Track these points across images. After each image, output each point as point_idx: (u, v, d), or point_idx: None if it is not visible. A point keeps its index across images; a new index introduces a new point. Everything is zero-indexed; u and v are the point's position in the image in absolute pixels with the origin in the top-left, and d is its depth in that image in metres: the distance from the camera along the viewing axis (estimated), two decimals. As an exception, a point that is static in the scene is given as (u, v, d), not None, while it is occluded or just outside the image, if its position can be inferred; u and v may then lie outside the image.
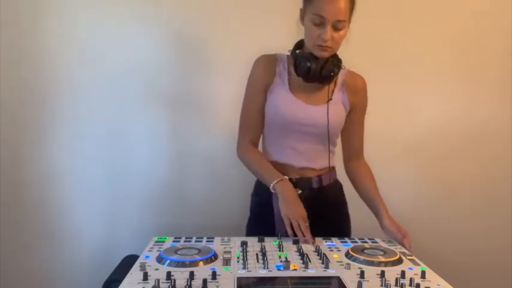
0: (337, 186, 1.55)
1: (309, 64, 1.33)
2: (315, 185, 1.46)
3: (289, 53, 1.42)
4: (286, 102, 1.40)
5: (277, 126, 1.43)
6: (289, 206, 1.32)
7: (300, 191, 1.41)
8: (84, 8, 1.86)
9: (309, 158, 1.45)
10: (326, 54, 1.33)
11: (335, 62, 1.36)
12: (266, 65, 1.43)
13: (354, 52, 1.79)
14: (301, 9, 1.35)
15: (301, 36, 1.39)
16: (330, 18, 1.25)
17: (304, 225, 1.29)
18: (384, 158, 2.04)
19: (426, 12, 1.98)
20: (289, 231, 1.30)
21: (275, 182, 1.36)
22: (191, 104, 1.94)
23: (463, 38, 2.01)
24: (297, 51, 1.40)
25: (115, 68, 1.90)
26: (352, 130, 1.51)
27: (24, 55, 1.87)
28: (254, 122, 1.46)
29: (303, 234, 1.29)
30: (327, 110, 1.39)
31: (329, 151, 1.47)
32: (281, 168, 1.44)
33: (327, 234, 1.38)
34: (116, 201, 1.97)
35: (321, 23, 1.27)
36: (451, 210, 2.08)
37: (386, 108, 2.01)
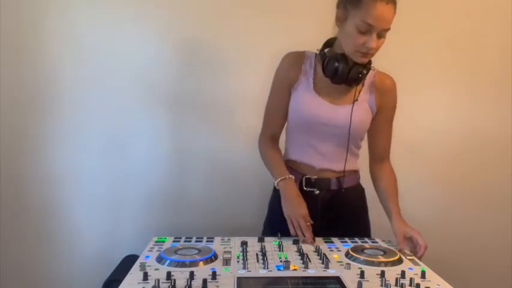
0: (358, 190, 1.51)
1: (336, 65, 1.29)
2: (334, 187, 1.43)
3: (317, 52, 1.38)
4: (309, 101, 1.37)
5: (298, 124, 1.41)
6: (291, 205, 1.32)
7: (317, 192, 1.41)
8: (84, 9, 1.86)
9: (329, 159, 1.42)
10: (366, 61, 1.31)
11: (364, 64, 1.32)
12: (292, 62, 1.40)
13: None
14: (339, 11, 1.30)
15: (327, 35, 1.36)
16: (378, 27, 1.22)
17: (305, 225, 1.29)
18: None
19: (427, 13, 1.98)
20: (292, 231, 1.30)
21: (279, 179, 1.36)
22: (191, 104, 1.94)
23: (463, 39, 2.01)
24: (325, 51, 1.36)
25: (116, 69, 1.89)
26: (377, 132, 1.46)
27: (25, 56, 1.87)
28: (275, 118, 1.45)
29: (303, 233, 1.29)
30: (351, 111, 1.35)
31: (347, 153, 1.42)
32: (301, 167, 1.44)
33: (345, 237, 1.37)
34: (116, 201, 1.97)
35: (367, 31, 1.22)
36: (451, 210, 2.08)
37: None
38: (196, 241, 1.29)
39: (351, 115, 1.35)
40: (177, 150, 1.96)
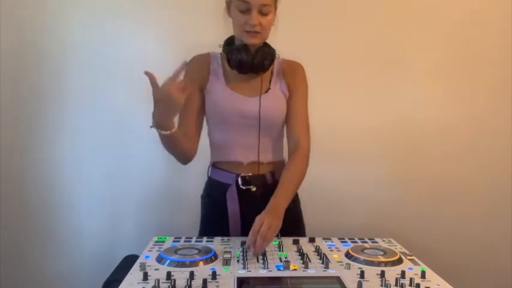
0: None
1: (239, 55, 1.33)
2: (269, 181, 1.41)
3: (220, 49, 1.42)
4: (223, 97, 1.38)
5: (218, 122, 1.41)
6: (155, 105, 1.26)
7: (254, 188, 1.38)
8: (85, 8, 1.87)
9: (256, 152, 1.40)
10: (256, 41, 1.33)
11: (266, 50, 1.36)
12: (198, 64, 1.42)
13: (352, 50, 1.80)
14: (226, 1, 1.36)
15: (229, 32, 1.40)
16: (255, 3, 1.27)
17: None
18: (384, 158, 2.04)
19: (424, 12, 1.98)
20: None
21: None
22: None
23: (460, 37, 2.01)
24: (228, 46, 1.40)
25: (115, 68, 1.90)
26: (290, 118, 1.42)
27: (25, 55, 1.88)
28: (184, 120, 1.39)
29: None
30: (259, 100, 1.37)
31: (259, 142, 1.39)
32: (232, 166, 1.41)
33: (281, 232, 1.28)
34: (116, 201, 1.97)
35: (247, 9, 1.29)
36: (451, 210, 2.08)
37: (385, 108, 2.01)
38: (196, 241, 1.30)
39: (259, 104, 1.37)
40: (177, 150, 1.96)
